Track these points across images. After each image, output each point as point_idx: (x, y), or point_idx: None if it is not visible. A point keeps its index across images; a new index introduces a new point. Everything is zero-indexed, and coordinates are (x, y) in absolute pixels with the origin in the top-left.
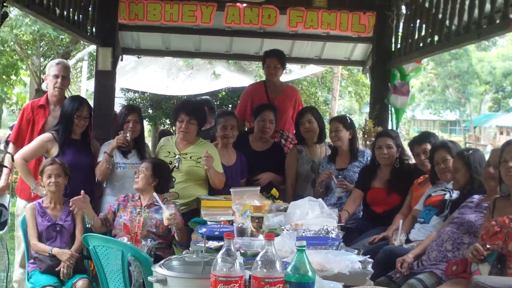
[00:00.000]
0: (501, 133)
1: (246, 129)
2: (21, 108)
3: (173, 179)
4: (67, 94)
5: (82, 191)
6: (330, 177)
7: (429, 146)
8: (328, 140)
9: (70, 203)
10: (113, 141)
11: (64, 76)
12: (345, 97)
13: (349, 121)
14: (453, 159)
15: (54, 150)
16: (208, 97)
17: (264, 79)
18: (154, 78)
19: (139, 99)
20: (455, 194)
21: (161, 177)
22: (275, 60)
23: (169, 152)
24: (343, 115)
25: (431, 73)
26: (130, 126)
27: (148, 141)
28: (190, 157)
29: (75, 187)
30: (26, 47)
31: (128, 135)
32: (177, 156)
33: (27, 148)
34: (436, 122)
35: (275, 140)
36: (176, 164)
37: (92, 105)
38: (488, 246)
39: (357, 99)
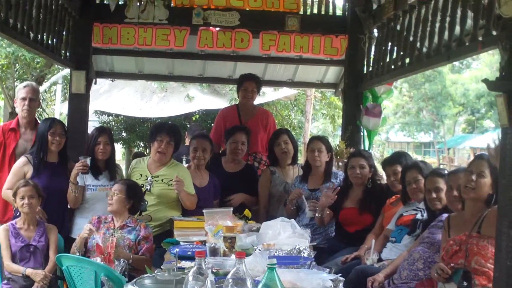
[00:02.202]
0: (475, 154)
1: (220, 151)
2: None
3: (146, 202)
4: (42, 117)
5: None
6: (299, 196)
7: (399, 168)
8: (300, 162)
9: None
10: (73, 169)
11: (32, 99)
12: (319, 119)
13: (329, 143)
14: (431, 179)
15: (30, 174)
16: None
17: (237, 103)
18: (128, 100)
19: (113, 122)
20: (426, 214)
21: (135, 198)
22: (253, 84)
23: (141, 174)
24: (324, 136)
25: (406, 96)
26: (100, 148)
27: (122, 164)
28: (162, 180)
29: (49, 211)
30: (1, 70)
31: (87, 160)
32: (149, 179)
33: (9, 179)
34: (410, 144)
35: (248, 162)
36: (148, 187)
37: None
38: (452, 264)
39: (331, 121)
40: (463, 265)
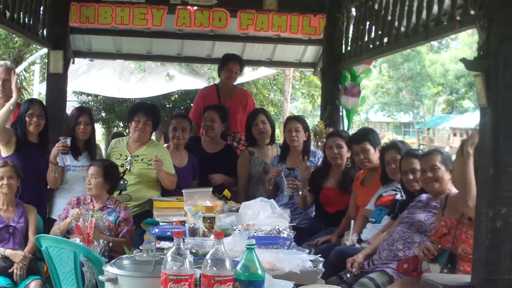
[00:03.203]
0: (455, 134)
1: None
2: None
3: (126, 182)
4: (25, 97)
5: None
6: (278, 174)
7: (368, 145)
8: (279, 141)
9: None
10: (53, 149)
11: (6, 79)
12: (298, 99)
13: (306, 123)
14: (406, 160)
15: (12, 147)
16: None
17: (216, 82)
18: (107, 81)
19: (92, 102)
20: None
21: (113, 179)
22: (237, 66)
23: (121, 154)
24: (301, 116)
25: (385, 76)
26: (81, 127)
27: (102, 144)
28: (142, 160)
29: (27, 191)
30: None
31: (67, 140)
32: (128, 159)
33: None
34: (390, 124)
35: (227, 142)
36: (128, 167)
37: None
38: (439, 246)
39: (311, 101)
40: (449, 249)
